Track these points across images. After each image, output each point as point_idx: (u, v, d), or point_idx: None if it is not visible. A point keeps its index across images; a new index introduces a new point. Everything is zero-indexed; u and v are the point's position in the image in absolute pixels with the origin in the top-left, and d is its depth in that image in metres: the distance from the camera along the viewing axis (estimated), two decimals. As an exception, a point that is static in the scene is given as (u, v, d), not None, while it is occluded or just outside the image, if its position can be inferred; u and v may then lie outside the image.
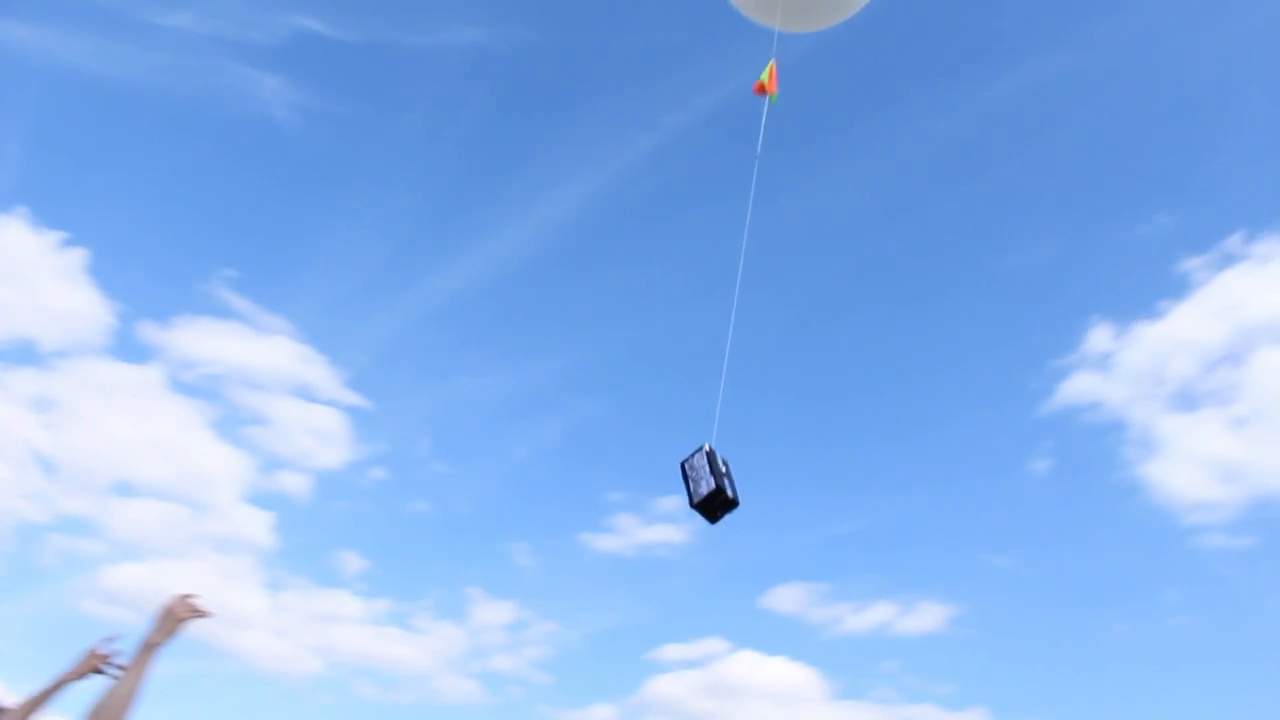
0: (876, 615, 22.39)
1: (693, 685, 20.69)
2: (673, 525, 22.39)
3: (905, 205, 26.28)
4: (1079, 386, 23.61)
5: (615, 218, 25.63)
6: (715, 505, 5.09)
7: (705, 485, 5.09)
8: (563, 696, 20.60)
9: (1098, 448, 23.23)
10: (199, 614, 3.19)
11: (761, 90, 6.69)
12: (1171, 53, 25.82)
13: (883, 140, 25.22)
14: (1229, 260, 23.80)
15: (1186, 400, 23.09)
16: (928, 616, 22.37)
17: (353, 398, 20.33)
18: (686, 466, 5.23)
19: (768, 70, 6.68)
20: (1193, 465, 22.55)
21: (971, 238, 25.91)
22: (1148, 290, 23.88)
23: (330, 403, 19.84)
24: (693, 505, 5.12)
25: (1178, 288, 23.62)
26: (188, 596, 3.16)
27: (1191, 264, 23.82)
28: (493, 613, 20.76)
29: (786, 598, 22.43)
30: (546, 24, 23.67)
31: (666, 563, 22.67)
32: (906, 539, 23.51)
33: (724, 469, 5.15)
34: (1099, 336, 23.97)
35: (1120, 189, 25.49)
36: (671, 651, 21.05)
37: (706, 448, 5.22)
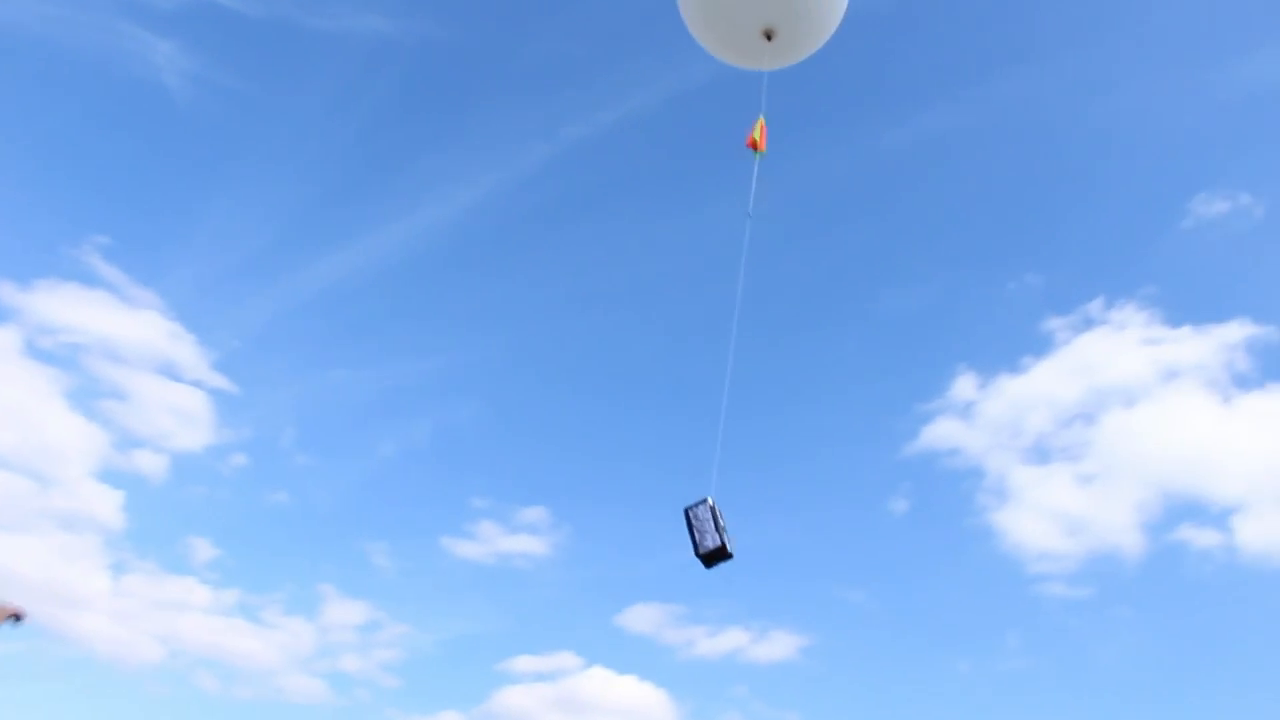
0: (729, 640, 22.74)
1: (542, 698, 20.68)
2: (534, 536, 22.43)
3: (795, 238, 26.92)
4: (941, 432, 24.51)
5: (504, 223, 25.62)
6: (715, 558, 5.74)
7: (711, 540, 5.69)
8: (411, 701, 20.34)
9: (954, 492, 24.11)
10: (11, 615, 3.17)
11: (753, 145, 6.90)
12: (1057, 121, 27.15)
13: (780, 174, 26.02)
14: (1089, 323, 25.09)
15: (1040, 454, 24.16)
16: (779, 645, 22.81)
17: (219, 380, 19.79)
18: (691, 515, 5.83)
19: (758, 126, 6.91)
20: (1041, 516, 23.55)
21: (854, 277, 26.70)
22: (1012, 345, 24.99)
23: (195, 383, 19.32)
24: (697, 555, 5.76)
25: (1040, 345, 24.78)
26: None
27: (1055, 324, 25.02)
28: (345, 612, 20.41)
29: (642, 617, 22.64)
30: (454, 21, 23.45)
31: (525, 574, 22.67)
32: (764, 567, 23.96)
33: (723, 523, 5.75)
34: (964, 385, 24.95)
35: (996, 245, 26.62)
36: (523, 663, 21.01)
37: (710, 501, 5.76)
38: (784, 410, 25.49)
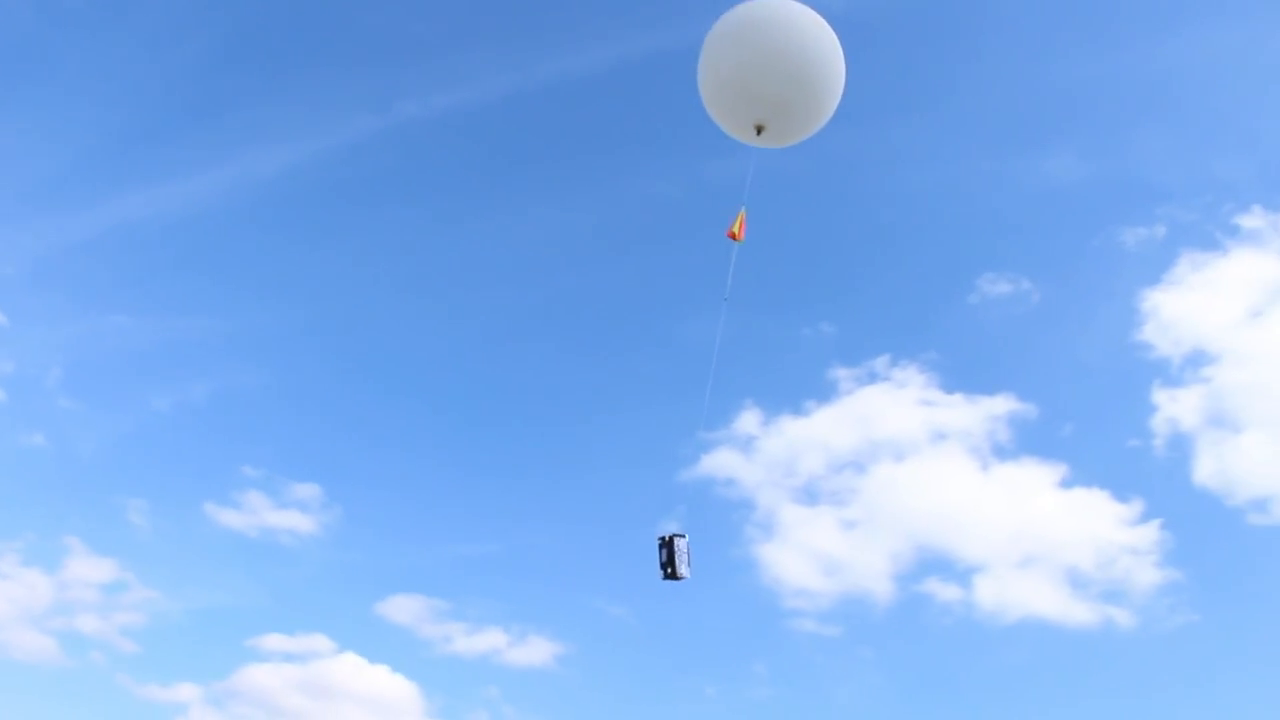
0: (487, 641, 23.13)
1: (288, 679, 20.50)
2: (304, 513, 22.15)
3: (607, 257, 27.60)
4: (720, 461, 25.61)
5: (320, 191, 25.09)
6: (674, 578, 7.87)
7: (685, 570, 7.80)
8: (148, 670, 19.76)
9: (725, 521, 25.22)
10: None
11: (733, 236, 7.75)
12: (874, 184, 28.68)
13: (598, 192, 26.38)
14: (873, 377, 26.70)
15: (809, 495, 25.55)
16: (536, 650, 23.33)
17: (-16, 307, 18.82)
18: (674, 543, 7.77)
19: (738, 219, 7.78)
20: (802, 555, 24.91)
21: (658, 302, 27.61)
22: (799, 388, 26.37)
23: (-47, 304, 18.36)
24: (665, 576, 7.80)
25: (825, 392, 26.24)
26: None
27: (841, 373, 26.55)
28: (90, 568, 19.67)
29: (402, 608, 22.75)
30: (300, -22, 22.77)
31: (289, 550, 22.41)
32: (531, 571, 24.48)
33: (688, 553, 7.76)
34: (748, 420, 26.15)
35: (797, 291, 27.99)
36: (273, 641, 20.77)
37: (686, 538, 7.72)
38: (574, 421, 26.04)
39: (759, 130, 7.99)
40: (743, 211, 7.99)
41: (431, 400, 25.33)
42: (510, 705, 22.53)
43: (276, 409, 23.81)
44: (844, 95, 8.56)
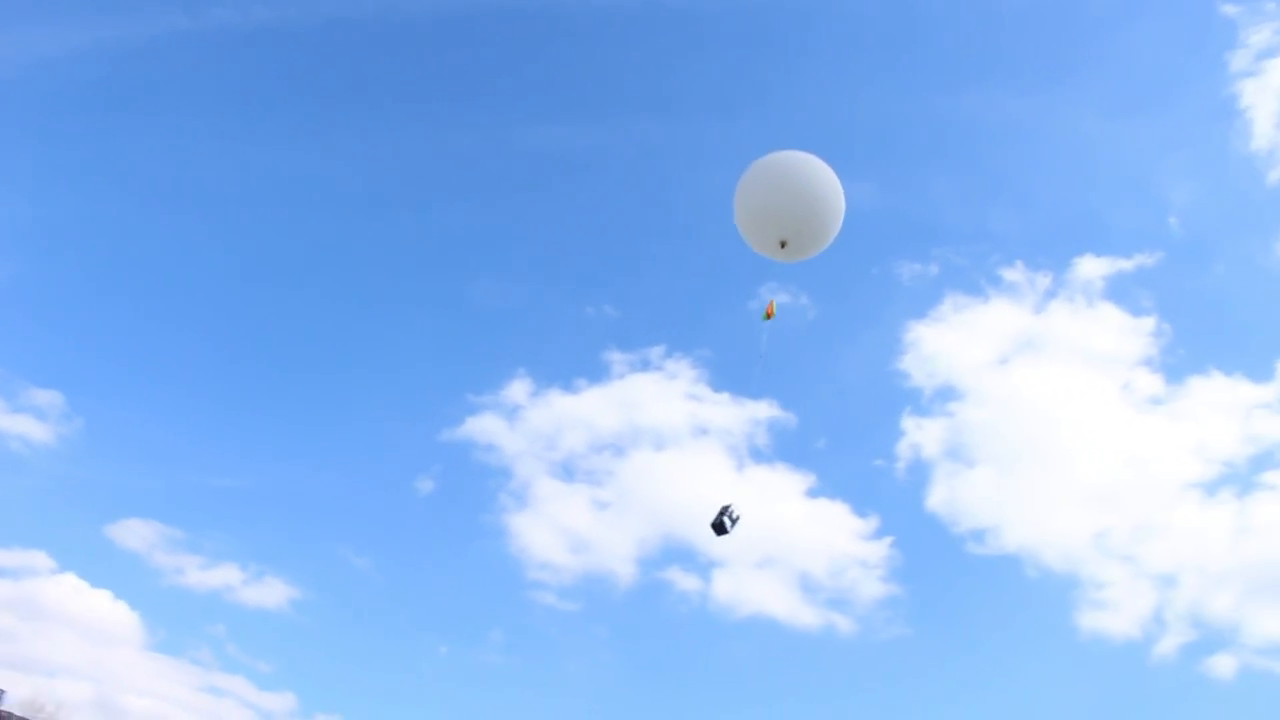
0: (221, 576, 22.34)
1: (-5, 596, 18.97)
2: (40, 421, 20.66)
3: (402, 202, 26.98)
4: (484, 426, 25.64)
5: (105, 84, 23.14)
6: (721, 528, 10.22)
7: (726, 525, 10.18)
8: None
9: (481, 486, 25.29)
10: None
11: (769, 315, 10.04)
12: (680, 178, 29.34)
13: (405, 138, 25.61)
14: (646, 365, 27.37)
15: (567, 471, 25.95)
16: (272, 592, 22.70)
17: None
18: (726, 518, 10.13)
19: (771, 305, 10.14)
20: (551, 529, 25.27)
21: (447, 257, 27.32)
22: (573, 365, 26.74)
23: None
24: (718, 526, 10.24)
25: (597, 372, 26.72)
26: None
27: (616, 357, 27.08)
28: None
29: (134, 533, 21.62)
30: None
31: (19, 458, 20.90)
32: (278, 512, 23.82)
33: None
34: (518, 389, 26.31)
35: (587, 270, 28.40)
36: (-17, 555, 19.18)
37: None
38: (340, 368, 25.47)
39: (783, 245, 10.17)
40: (772, 301, 10.29)
41: (194, 325, 24.17)
42: (236, 644, 21.84)
43: (23, 307, 22.06)
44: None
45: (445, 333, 26.18)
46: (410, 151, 25.25)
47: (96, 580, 19.54)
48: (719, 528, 10.25)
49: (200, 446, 22.85)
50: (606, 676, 23.44)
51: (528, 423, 25.07)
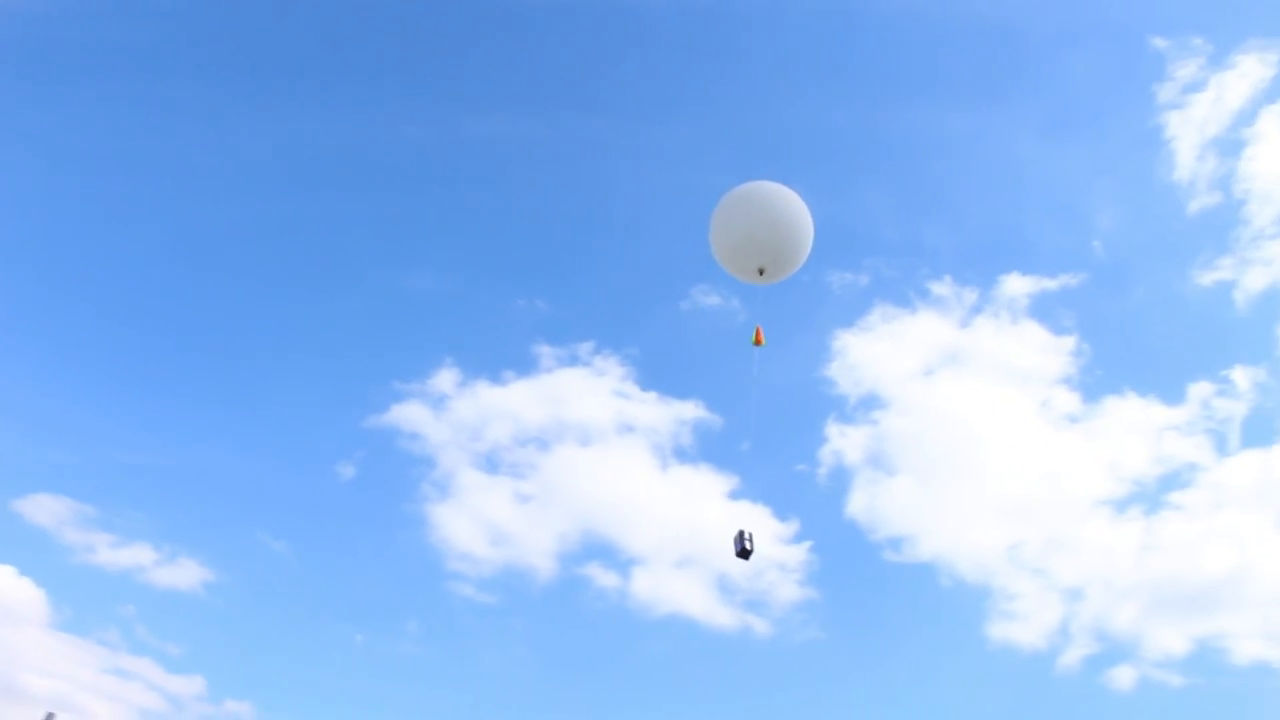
0: (134, 556, 21.92)
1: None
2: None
3: (335, 185, 26.69)
4: (410, 414, 25.53)
5: (11, 43, 22.14)
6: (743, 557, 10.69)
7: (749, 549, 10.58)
8: None
9: (403, 474, 25.16)
10: None
11: (757, 341, 10.76)
12: (620, 175, 29.51)
13: (343, 119, 25.39)
14: (575, 360, 27.44)
15: (491, 463, 25.90)
16: (185, 573, 22.32)
17: None
18: (746, 542, 10.56)
19: (757, 331, 10.77)
20: (473, 520, 25.21)
21: (381, 244, 27.17)
22: (501, 357, 26.72)
23: None
24: (740, 553, 10.65)
25: (526, 365, 26.73)
26: None
27: (545, 350, 27.12)
28: None
29: (44, 508, 21.12)
30: None
31: (-79, 427, 20.21)
32: (195, 492, 23.47)
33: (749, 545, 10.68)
34: (446, 378, 26.23)
35: (520, 261, 28.40)
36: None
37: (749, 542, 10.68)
38: (265, 349, 25.18)
39: (761, 272, 10.88)
40: (759, 327, 10.95)
41: (114, 301, 23.68)
42: (145, 625, 21.41)
43: None
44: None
45: (374, 318, 26.00)
46: (349, 133, 25.09)
47: (1, 556, 19.00)
48: (743, 554, 10.74)
49: (117, 421, 22.40)
50: (522, 670, 23.44)
51: (453, 412, 24.98)
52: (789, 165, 28.51)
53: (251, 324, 24.98)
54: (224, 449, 23.90)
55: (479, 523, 24.28)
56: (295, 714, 21.67)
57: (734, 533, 10.77)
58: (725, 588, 24.38)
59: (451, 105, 26.11)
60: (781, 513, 25.15)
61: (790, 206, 10.89)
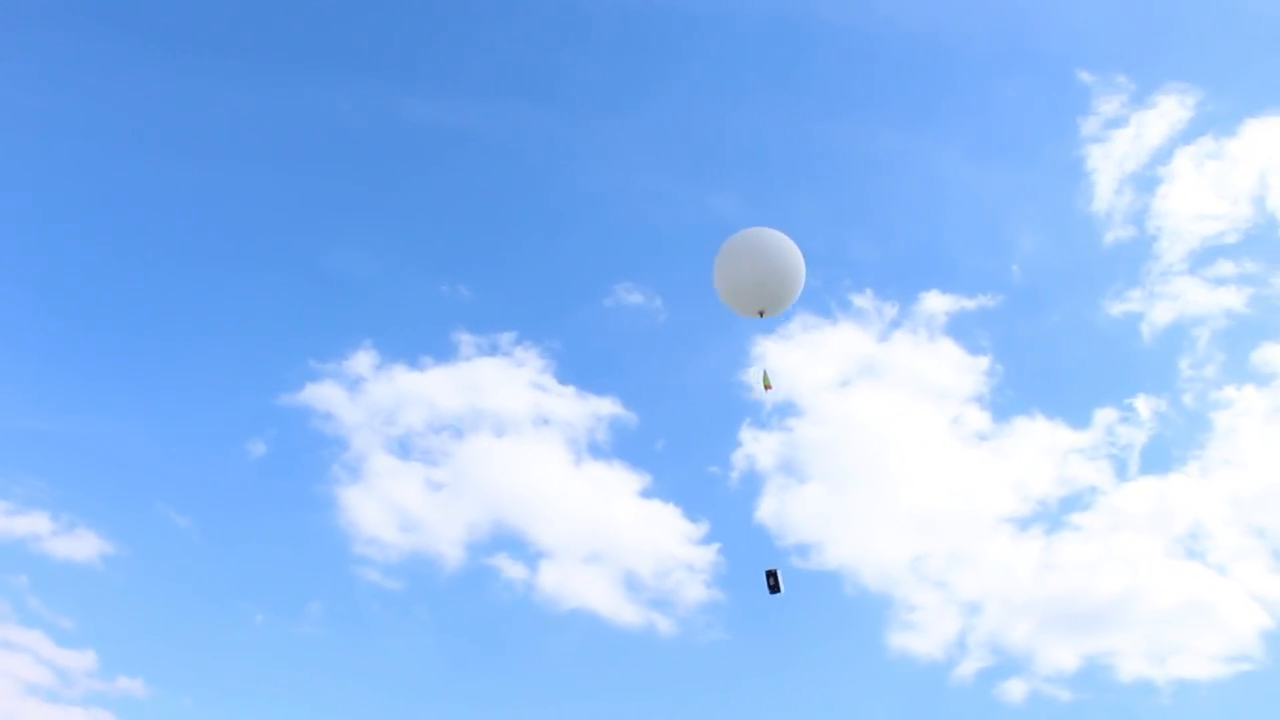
0: (28, 524, 21.43)
1: None
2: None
3: (263, 162, 26.51)
4: (324, 394, 25.35)
5: None
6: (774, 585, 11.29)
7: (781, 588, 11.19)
8: None
9: (314, 455, 24.97)
10: None
11: (766, 387, 11.74)
12: (560, 171, 29.79)
13: (274, 91, 25.19)
14: (494, 350, 27.51)
15: (403, 448, 25.84)
16: (82, 544, 21.88)
17: None
18: (775, 576, 11.21)
19: (765, 375, 11.82)
20: (382, 505, 25.13)
21: (304, 221, 27.01)
22: (421, 342, 26.67)
23: None
24: (772, 588, 11.26)
25: (445, 352, 26.69)
26: None
27: (465, 338, 27.13)
28: None
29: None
30: None
31: None
32: (96, 461, 23.04)
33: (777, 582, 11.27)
34: (363, 360, 26.12)
35: (447, 246, 28.39)
36: None
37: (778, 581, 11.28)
38: (175, 321, 24.84)
39: (761, 313, 11.85)
40: (764, 370, 12.03)
41: (13, 264, 23.16)
42: (38, 598, 20.90)
43: None
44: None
45: (294, 296, 25.73)
46: (277, 105, 24.85)
47: (-118, 521, 18.46)
48: (774, 588, 11.27)
49: (15, 388, 21.90)
50: (425, 657, 23.38)
51: (369, 395, 24.83)
52: (722, 170, 28.98)
53: (165, 295, 24.62)
54: (130, 420, 23.50)
55: (388, 508, 24.16)
56: (189, 692, 21.35)
57: (769, 577, 11.28)
58: (632, 585, 24.58)
59: (392, 85, 26.04)
60: (692, 513, 25.42)
61: (790, 257, 12.05)
